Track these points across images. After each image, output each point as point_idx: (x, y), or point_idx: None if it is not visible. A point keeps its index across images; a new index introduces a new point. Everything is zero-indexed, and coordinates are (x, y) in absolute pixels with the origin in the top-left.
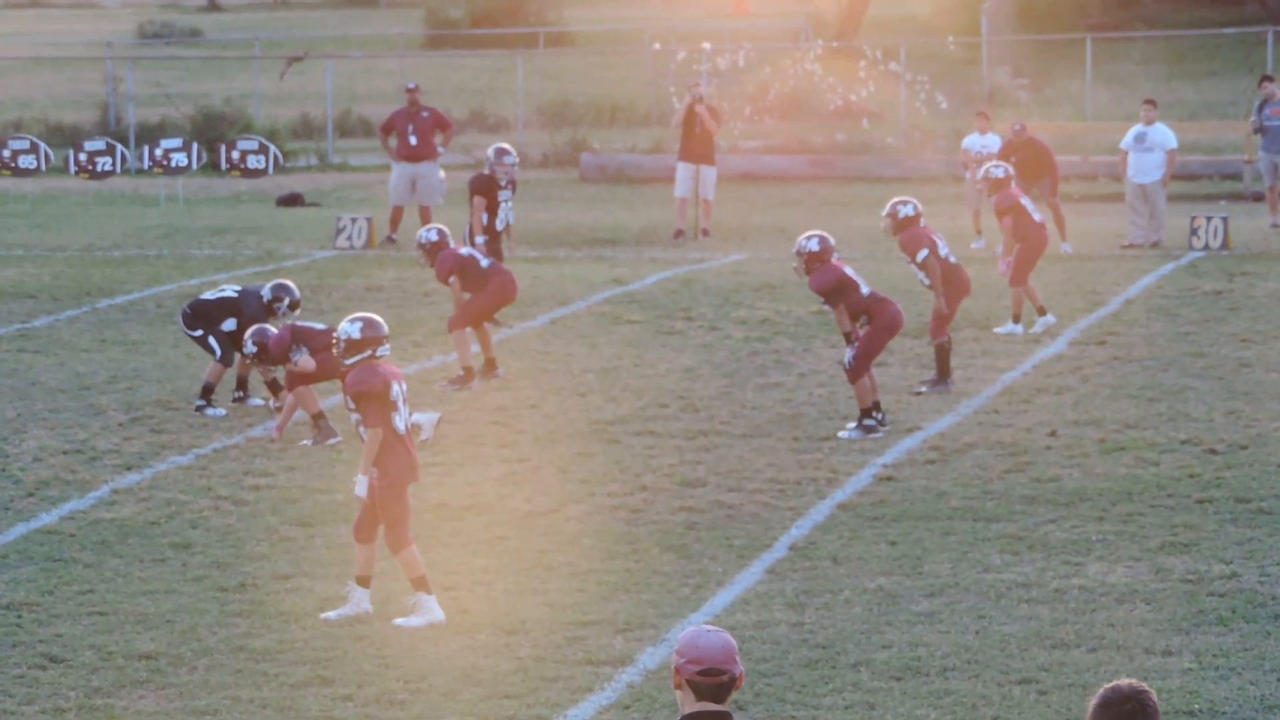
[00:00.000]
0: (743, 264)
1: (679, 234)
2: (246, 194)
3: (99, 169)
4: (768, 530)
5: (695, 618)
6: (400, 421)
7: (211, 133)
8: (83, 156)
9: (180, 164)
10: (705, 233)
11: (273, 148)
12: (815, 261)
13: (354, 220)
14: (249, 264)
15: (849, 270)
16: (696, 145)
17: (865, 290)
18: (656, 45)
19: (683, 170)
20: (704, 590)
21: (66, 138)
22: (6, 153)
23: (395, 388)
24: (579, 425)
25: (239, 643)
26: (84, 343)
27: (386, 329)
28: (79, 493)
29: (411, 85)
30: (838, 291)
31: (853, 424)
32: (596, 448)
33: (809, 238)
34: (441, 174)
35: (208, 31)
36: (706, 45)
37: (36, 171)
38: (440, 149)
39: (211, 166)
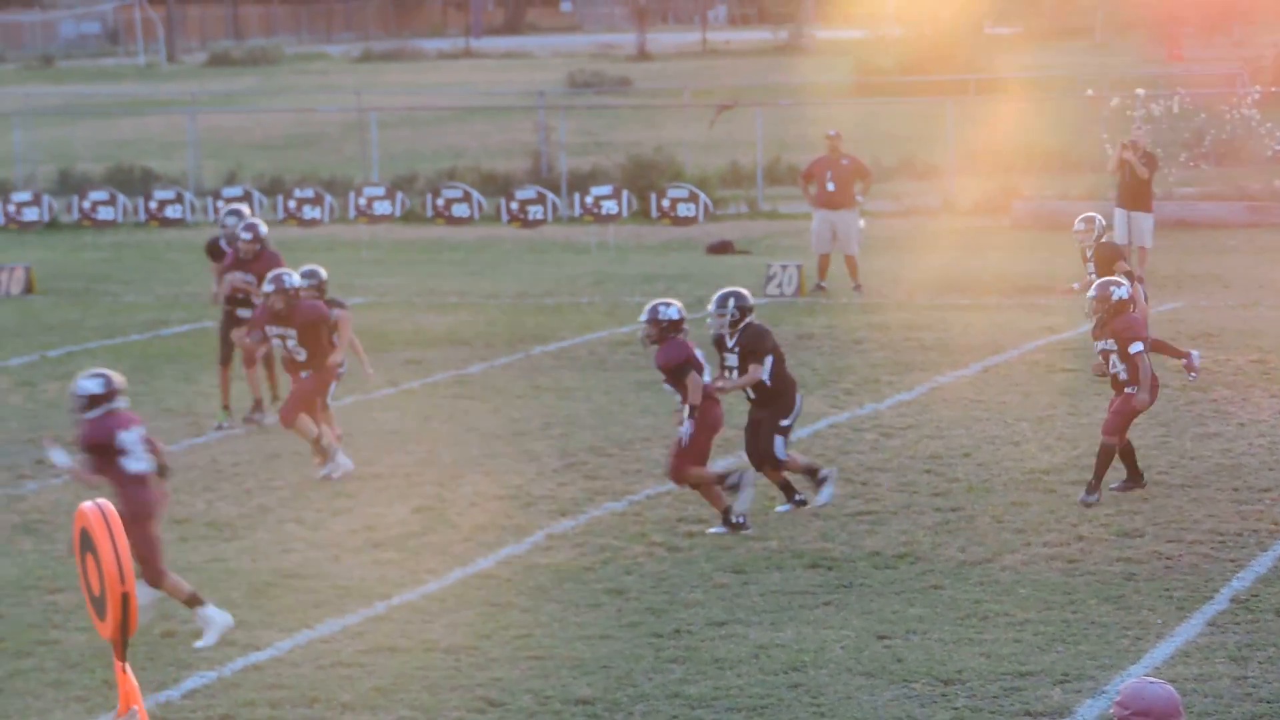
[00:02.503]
0: (1179, 312)
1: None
2: (677, 241)
3: (530, 217)
4: (1208, 582)
5: (1135, 670)
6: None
7: (642, 181)
8: (514, 205)
9: (611, 211)
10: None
11: (703, 195)
12: (671, 331)
13: (784, 268)
14: None
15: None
16: (1129, 192)
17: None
18: (1089, 91)
19: (1116, 217)
20: (1143, 642)
21: (499, 186)
22: (440, 201)
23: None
24: (1013, 474)
25: (674, 689)
26: (518, 389)
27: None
28: (515, 538)
29: (832, 133)
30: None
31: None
32: (1031, 497)
33: (667, 305)
34: (861, 222)
35: (637, 80)
36: (1140, 91)
37: (470, 220)
38: (859, 197)
39: (642, 214)
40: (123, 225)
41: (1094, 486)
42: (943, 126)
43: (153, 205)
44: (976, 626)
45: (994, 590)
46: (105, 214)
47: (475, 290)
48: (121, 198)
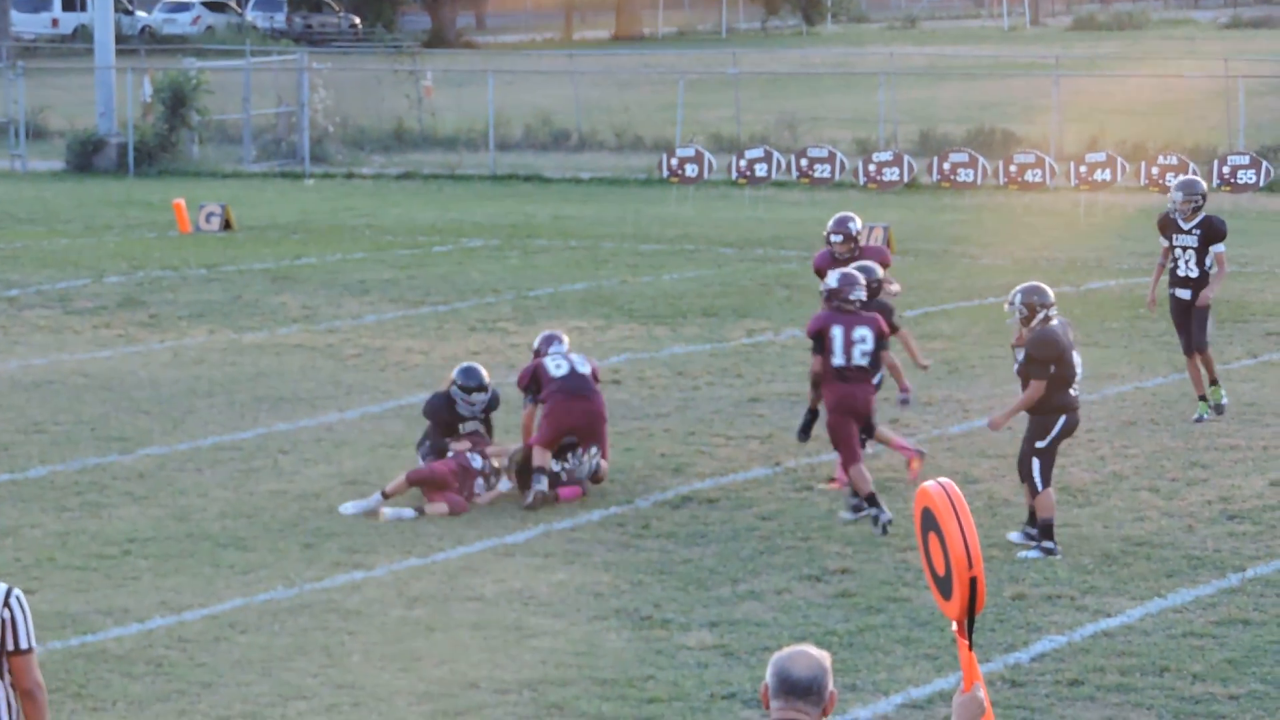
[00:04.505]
0: None
1: None
2: None
3: None
4: None
5: None
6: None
7: None
8: None
9: None
10: None
11: None
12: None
13: None
14: None
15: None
16: None
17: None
18: None
19: None
20: None
21: None
22: None
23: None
24: None
25: None
26: None
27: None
28: None
29: None
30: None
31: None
32: None
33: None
34: None
35: None
36: None
37: None
38: None
39: None
40: (981, 188)
41: None
42: None
43: (1012, 169)
44: None
45: None
46: (965, 176)
47: None
48: (981, 160)
